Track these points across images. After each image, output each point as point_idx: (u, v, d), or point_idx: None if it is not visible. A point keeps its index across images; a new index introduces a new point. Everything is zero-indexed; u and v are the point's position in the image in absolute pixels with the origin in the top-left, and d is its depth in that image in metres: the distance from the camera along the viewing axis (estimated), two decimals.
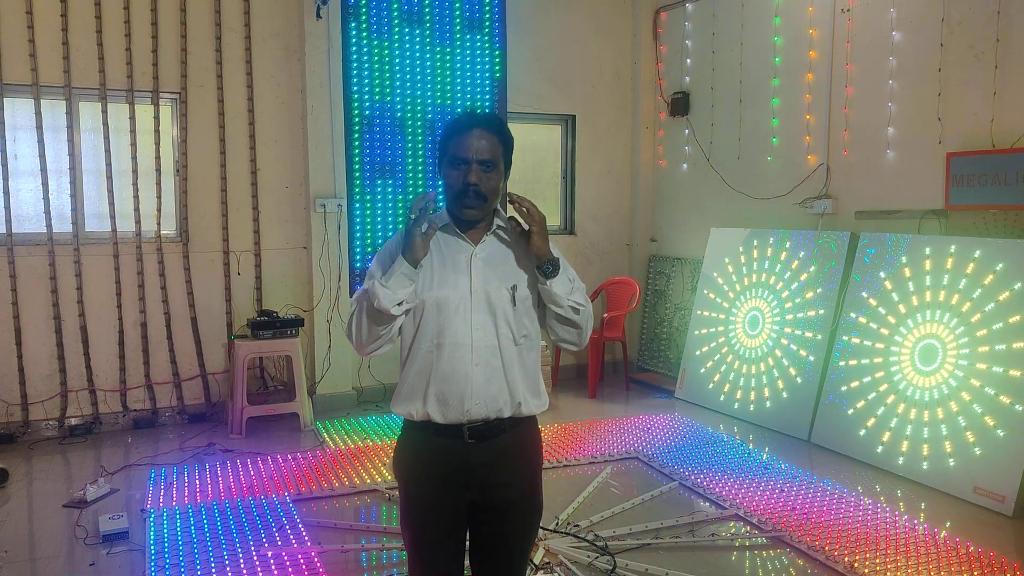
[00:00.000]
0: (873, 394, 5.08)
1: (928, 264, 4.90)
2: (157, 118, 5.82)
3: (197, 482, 4.66)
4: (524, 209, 2.18)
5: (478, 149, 2.17)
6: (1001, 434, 4.34)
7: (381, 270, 2.20)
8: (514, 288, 2.22)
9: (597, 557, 3.66)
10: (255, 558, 3.67)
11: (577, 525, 4.04)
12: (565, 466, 5.00)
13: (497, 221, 2.29)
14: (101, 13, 5.59)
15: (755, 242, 6.24)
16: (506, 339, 2.21)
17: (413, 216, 2.13)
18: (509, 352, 2.21)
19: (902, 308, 5.01)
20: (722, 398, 6.26)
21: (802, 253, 5.82)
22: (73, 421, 5.71)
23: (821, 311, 5.58)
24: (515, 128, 7.86)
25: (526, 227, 2.20)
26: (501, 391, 2.19)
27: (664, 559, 3.70)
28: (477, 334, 2.17)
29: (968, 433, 4.49)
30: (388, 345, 2.25)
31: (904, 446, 4.81)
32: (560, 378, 7.26)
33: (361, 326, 2.20)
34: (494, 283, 2.21)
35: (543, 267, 2.20)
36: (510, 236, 2.28)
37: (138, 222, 5.80)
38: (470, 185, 2.17)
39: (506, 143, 2.25)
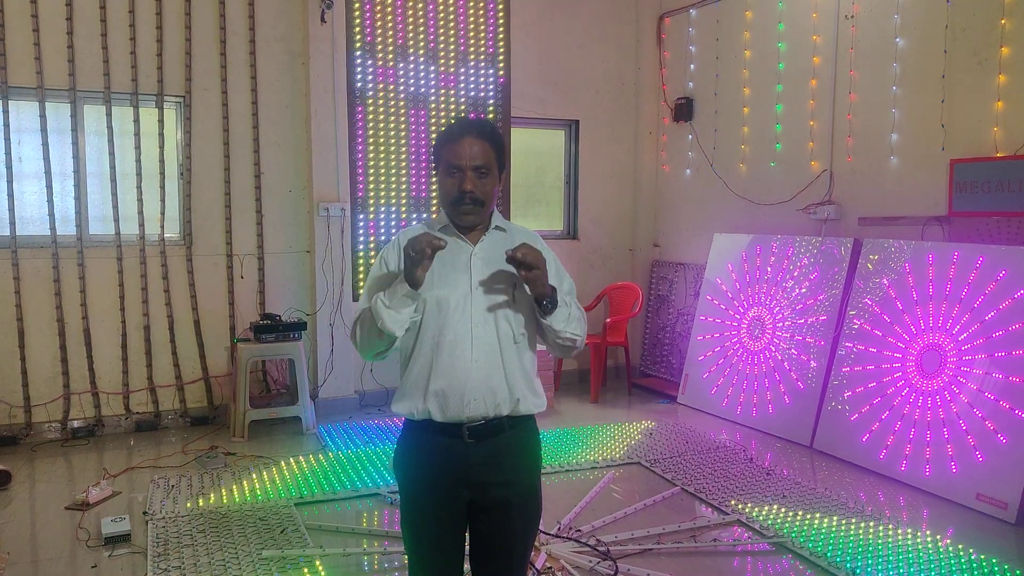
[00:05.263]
0: (876, 400, 5.07)
1: (931, 271, 4.90)
2: (161, 121, 5.84)
3: (200, 485, 4.67)
4: (519, 257, 2.10)
5: (471, 156, 2.21)
6: (1004, 441, 4.33)
7: (380, 283, 2.26)
8: (514, 286, 2.24)
9: (599, 562, 3.66)
10: (257, 561, 3.67)
11: (579, 530, 4.03)
12: (567, 471, 5.00)
13: (495, 221, 2.33)
14: (106, 17, 5.61)
15: (758, 248, 6.24)
16: (506, 337, 2.24)
17: (414, 254, 2.08)
18: (509, 350, 2.24)
19: (905, 315, 5.01)
20: (724, 403, 6.26)
21: (805, 259, 5.82)
22: (76, 423, 5.72)
23: (824, 317, 5.58)
24: (518, 133, 7.84)
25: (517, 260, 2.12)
26: (500, 387, 2.21)
27: (666, 564, 3.69)
28: (477, 331, 2.20)
29: (971, 440, 4.48)
30: (393, 351, 2.29)
31: (907, 453, 4.80)
32: (562, 383, 7.25)
33: (367, 337, 2.25)
34: (493, 281, 2.24)
35: (541, 304, 2.21)
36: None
37: (142, 225, 5.81)
38: (466, 192, 2.21)
39: (498, 147, 2.28)
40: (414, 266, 2.10)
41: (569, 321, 2.26)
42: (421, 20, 6.42)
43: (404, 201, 6.50)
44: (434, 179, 6.48)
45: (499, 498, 2.24)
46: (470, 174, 2.21)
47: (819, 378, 5.52)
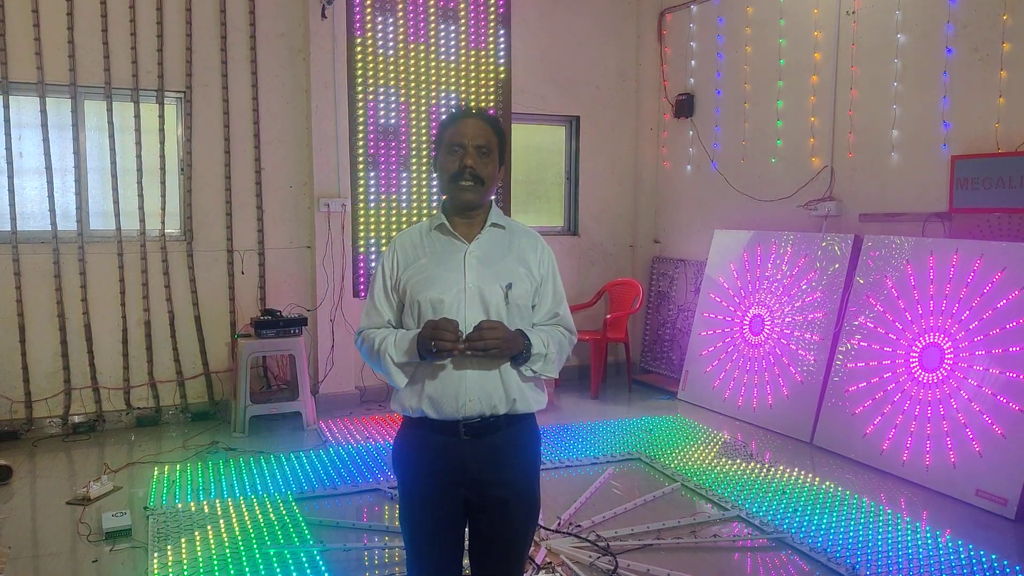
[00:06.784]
0: (876, 396, 5.07)
1: (932, 267, 4.90)
2: (162, 117, 5.83)
3: (200, 480, 4.67)
4: (481, 345, 2.10)
5: (473, 135, 2.24)
6: (1004, 437, 4.33)
7: (385, 293, 2.29)
8: (508, 286, 2.23)
9: (599, 557, 3.66)
10: (257, 556, 3.68)
11: (579, 525, 4.04)
12: (567, 466, 5.00)
13: (492, 218, 2.32)
14: (107, 12, 5.60)
15: (759, 244, 6.23)
16: None
17: (434, 349, 2.09)
18: None
19: (905, 311, 5.01)
20: (725, 399, 6.26)
21: (806, 255, 5.82)
22: (76, 419, 5.72)
23: (824, 313, 5.58)
24: (519, 129, 7.84)
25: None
26: (496, 388, 2.20)
27: (666, 560, 3.70)
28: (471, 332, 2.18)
29: (970, 436, 4.49)
30: None
31: (906, 449, 4.81)
32: (563, 378, 7.25)
33: (370, 362, 2.30)
34: (488, 281, 2.23)
35: (515, 360, 2.21)
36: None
37: (142, 220, 5.81)
38: (467, 167, 2.22)
39: (500, 134, 2.31)
40: (428, 348, 2.10)
41: (547, 363, 2.24)
42: (423, 17, 6.41)
43: (404, 197, 6.49)
44: (435, 181, 6.50)
45: (496, 497, 2.24)
46: (471, 150, 2.23)
47: (819, 374, 5.52)
